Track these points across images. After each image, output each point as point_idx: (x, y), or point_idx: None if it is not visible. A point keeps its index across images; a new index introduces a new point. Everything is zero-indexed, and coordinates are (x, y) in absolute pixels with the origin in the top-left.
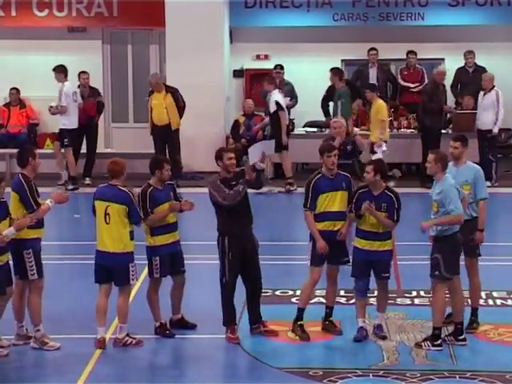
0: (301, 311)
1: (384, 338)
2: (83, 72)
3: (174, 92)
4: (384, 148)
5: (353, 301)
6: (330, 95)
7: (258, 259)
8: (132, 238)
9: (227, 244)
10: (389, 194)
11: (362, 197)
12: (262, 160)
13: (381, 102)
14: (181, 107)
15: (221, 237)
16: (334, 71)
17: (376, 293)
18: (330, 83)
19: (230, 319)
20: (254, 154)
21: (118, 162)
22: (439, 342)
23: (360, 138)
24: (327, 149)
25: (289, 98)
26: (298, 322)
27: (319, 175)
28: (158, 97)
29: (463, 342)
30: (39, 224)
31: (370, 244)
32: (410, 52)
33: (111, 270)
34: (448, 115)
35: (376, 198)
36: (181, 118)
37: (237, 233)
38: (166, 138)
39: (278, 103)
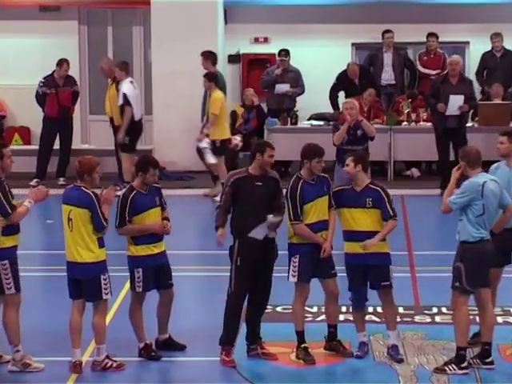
0: (300, 334)
1: (400, 361)
2: (66, 61)
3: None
4: (205, 144)
5: (367, 318)
6: (341, 84)
7: (272, 272)
8: (102, 246)
9: (237, 247)
10: (374, 188)
11: (342, 193)
12: (273, 228)
13: (217, 94)
14: None
15: (232, 239)
16: (206, 55)
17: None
18: (340, 70)
19: (228, 338)
20: (260, 232)
21: (81, 161)
22: (465, 364)
23: (367, 123)
24: (319, 153)
25: (288, 85)
26: (302, 345)
27: (301, 181)
28: (109, 86)
29: (491, 366)
30: (15, 229)
31: (357, 245)
32: (430, 34)
33: (81, 283)
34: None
35: (359, 195)
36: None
37: (250, 235)
38: (114, 132)
39: (125, 96)
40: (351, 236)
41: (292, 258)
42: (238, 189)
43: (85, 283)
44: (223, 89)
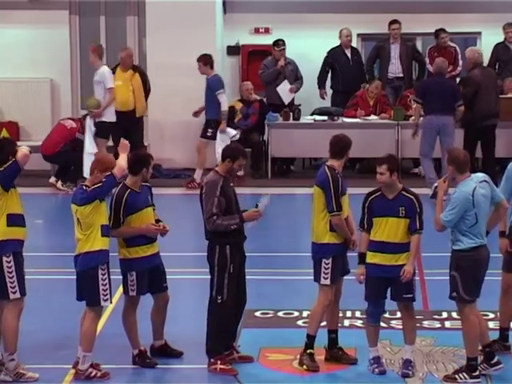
0: (311, 339)
1: (407, 376)
2: None
3: (143, 73)
4: None
5: None
6: (332, 57)
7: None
8: (104, 234)
9: (229, 254)
10: (408, 195)
11: (375, 204)
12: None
13: None
14: (147, 92)
15: (218, 245)
16: None
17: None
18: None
19: (220, 347)
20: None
21: (97, 159)
22: (477, 372)
23: None
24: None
25: (286, 82)
26: (308, 351)
27: (336, 172)
28: (124, 77)
29: (498, 366)
30: (19, 221)
31: (383, 257)
32: (440, 30)
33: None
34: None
35: (391, 203)
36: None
37: (238, 239)
38: (130, 126)
39: None
40: (379, 246)
41: (324, 260)
42: (224, 192)
43: (83, 281)
44: None
